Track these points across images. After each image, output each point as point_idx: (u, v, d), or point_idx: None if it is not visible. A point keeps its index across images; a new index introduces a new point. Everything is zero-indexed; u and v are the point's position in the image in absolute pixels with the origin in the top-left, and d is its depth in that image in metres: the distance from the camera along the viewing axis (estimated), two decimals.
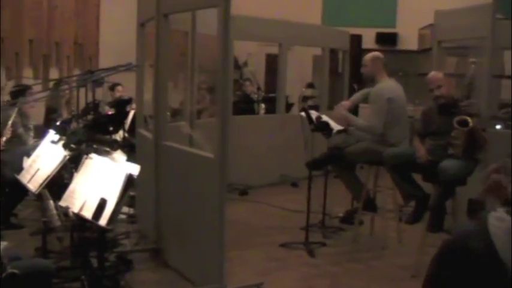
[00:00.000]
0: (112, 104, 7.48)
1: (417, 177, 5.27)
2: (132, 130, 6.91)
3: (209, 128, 6.34)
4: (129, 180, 3.41)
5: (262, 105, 9.57)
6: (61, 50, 9.65)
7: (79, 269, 4.14)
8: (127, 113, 7.41)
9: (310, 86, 7.98)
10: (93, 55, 10.17)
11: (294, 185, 8.49)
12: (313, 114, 5.93)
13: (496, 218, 1.55)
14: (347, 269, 5.21)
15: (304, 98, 9.10)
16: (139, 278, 4.63)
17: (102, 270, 3.90)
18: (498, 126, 7.87)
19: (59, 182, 4.22)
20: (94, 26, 10.14)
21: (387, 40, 12.26)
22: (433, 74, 5.37)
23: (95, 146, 4.36)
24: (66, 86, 6.85)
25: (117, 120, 7.01)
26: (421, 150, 5.16)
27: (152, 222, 5.14)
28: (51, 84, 8.31)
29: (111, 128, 6.82)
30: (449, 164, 4.78)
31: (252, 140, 8.05)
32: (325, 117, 5.97)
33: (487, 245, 1.54)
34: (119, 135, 7.18)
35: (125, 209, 5.51)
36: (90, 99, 5.29)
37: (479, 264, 1.54)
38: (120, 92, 8.33)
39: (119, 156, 4.05)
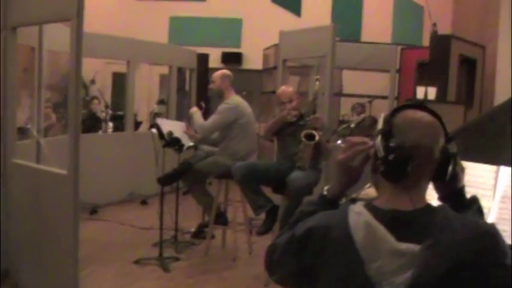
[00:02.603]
0: None
1: (267, 190, 5.48)
2: None
3: (57, 146, 6.23)
4: None
5: (110, 124, 9.46)
6: None
7: None
8: None
9: (161, 102, 8.04)
10: None
11: (144, 202, 8.47)
12: (165, 129, 5.99)
13: (355, 212, 1.67)
14: (201, 280, 5.31)
15: (156, 115, 9.12)
16: None
17: None
18: (339, 141, 8.38)
19: None
20: None
21: (232, 59, 12.60)
22: (283, 88, 5.54)
23: None
24: None
25: None
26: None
27: (0, 242, 4.93)
28: None
29: None
30: (296, 176, 5.02)
31: (100, 158, 7.95)
32: (176, 133, 6.06)
33: (347, 237, 1.62)
34: None
35: None
36: None
37: (339, 256, 1.65)
38: None
39: None
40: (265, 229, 5.40)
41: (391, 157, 1.65)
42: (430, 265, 1.53)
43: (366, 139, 1.82)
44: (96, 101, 9.59)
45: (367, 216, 1.64)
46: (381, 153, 1.67)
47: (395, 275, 1.57)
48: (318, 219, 1.77)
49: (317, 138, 4.94)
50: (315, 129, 5.00)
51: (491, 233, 1.59)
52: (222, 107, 5.94)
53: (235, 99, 6.02)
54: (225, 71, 6.21)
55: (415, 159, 1.64)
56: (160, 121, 6.10)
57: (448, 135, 1.73)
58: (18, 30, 4.81)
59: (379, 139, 1.69)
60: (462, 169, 1.80)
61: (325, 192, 1.92)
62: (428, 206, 1.69)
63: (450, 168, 1.72)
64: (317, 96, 5.26)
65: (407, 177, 1.65)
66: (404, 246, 1.57)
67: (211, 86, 6.18)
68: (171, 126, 6.02)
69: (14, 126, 4.97)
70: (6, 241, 4.87)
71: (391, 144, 1.65)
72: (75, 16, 3.88)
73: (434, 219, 1.61)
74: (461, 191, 1.84)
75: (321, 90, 5.83)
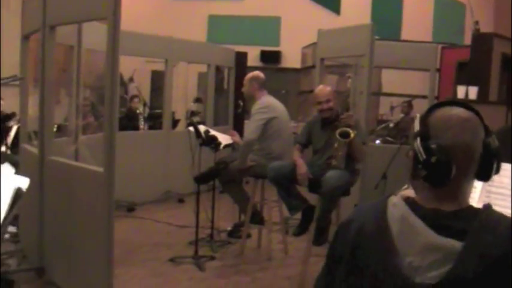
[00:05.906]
0: None
1: (304, 189, 5.37)
2: (14, 146, 6.67)
3: (95, 144, 6.29)
4: (17, 195, 3.31)
5: (143, 122, 9.49)
6: None
7: None
8: (9, 128, 7.14)
9: (198, 100, 8.05)
10: None
11: (180, 200, 8.50)
12: (202, 128, 6.00)
13: (392, 204, 1.62)
14: (233, 281, 5.27)
15: (192, 113, 9.15)
16: None
17: None
18: (378, 141, 8.29)
19: None
20: None
21: (271, 58, 12.58)
22: (321, 88, 5.41)
23: None
24: None
25: None
26: (302, 168, 5.17)
27: (36, 240, 4.98)
28: None
29: None
30: (331, 175, 4.89)
31: (138, 157, 8.00)
32: (213, 131, 6.07)
33: (384, 228, 1.60)
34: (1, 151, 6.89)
35: (9, 228, 5.30)
36: None
37: (374, 247, 1.60)
38: None
39: (7, 169, 3.91)
40: (301, 229, 5.34)
41: (433, 159, 1.58)
42: (469, 263, 1.48)
43: None
44: (136, 100, 9.63)
45: (404, 209, 1.60)
46: (423, 156, 1.60)
47: (430, 270, 1.52)
48: (353, 212, 1.75)
49: (352, 135, 4.86)
50: (349, 126, 4.91)
51: None
52: (253, 110, 5.94)
53: (264, 100, 5.99)
54: (254, 74, 6.19)
55: (456, 158, 1.58)
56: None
57: (489, 129, 1.65)
58: (58, 29, 4.85)
59: (418, 141, 1.62)
60: None
61: None
62: (471, 207, 1.63)
63: (495, 164, 1.64)
64: (350, 94, 5.17)
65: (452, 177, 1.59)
66: (443, 240, 1.52)
67: (243, 89, 6.21)
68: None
69: (51, 123, 5.01)
70: (42, 239, 4.91)
71: (432, 146, 1.58)
72: (112, 15, 3.89)
73: (477, 219, 1.55)
74: None
75: (354, 88, 5.74)
